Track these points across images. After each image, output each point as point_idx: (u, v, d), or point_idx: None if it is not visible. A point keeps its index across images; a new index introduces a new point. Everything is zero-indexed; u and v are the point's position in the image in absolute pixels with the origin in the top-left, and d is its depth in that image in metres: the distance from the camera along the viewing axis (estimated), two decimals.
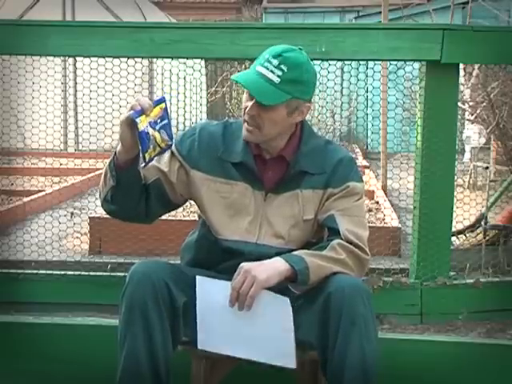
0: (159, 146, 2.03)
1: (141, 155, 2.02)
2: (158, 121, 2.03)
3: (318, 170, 2.19)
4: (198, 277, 2.10)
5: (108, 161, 2.14)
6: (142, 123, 2.00)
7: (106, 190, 2.17)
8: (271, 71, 2.08)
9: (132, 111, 2.01)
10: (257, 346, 2.02)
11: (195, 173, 2.20)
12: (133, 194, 2.16)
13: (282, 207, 2.19)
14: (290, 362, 2.01)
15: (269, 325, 2.04)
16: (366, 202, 6.39)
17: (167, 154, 2.18)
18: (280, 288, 2.08)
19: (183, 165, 2.21)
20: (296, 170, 2.19)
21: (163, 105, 2.05)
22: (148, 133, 2.00)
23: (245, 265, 2.03)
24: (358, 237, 2.14)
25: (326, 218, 2.17)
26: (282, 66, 2.08)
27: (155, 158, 2.07)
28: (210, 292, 2.07)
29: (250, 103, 2.11)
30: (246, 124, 2.14)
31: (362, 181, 2.26)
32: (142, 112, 2.01)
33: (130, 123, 2.01)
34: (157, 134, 2.02)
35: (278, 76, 2.08)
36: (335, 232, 2.14)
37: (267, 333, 2.03)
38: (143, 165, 2.05)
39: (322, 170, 2.20)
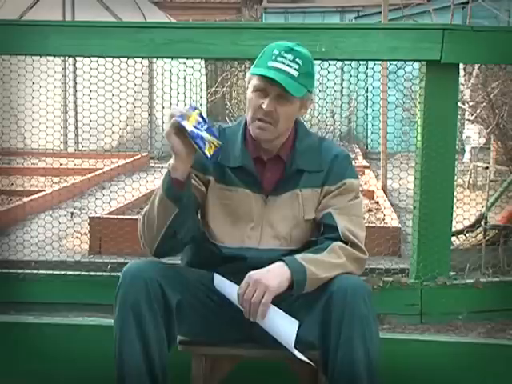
0: (213, 143, 2.01)
1: (201, 153, 2.00)
2: (199, 125, 2.01)
3: (315, 168, 2.19)
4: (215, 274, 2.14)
5: (158, 197, 2.06)
6: (189, 125, 1.99)
7: (165, 226, 2.07)
8: (288, 65, 2.08)
9: (174, 118, 2.00)
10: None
11: (208, 177, 2.19)
12: (194, 214, 2.15)
13: (283, 208, 2.18)
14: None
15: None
16: (365, 202, 6.39)
17: None
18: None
19: (200, 173, 2.19)
20: (293, 169, 2.19)
21: (198, 111, 2.03)
22: (198, 132, 1.99)
23: (253, 274, 2.00)
24: (356, 236, 2.13)
25: (324, 215, 2.17)
26: (298, 60, 2.09)
27: (216, 156, 2.04)
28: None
29: (264, 100, 2.09)
30: (258, 122, 2.12)
31: (358, 177, 2.26)
32: (184, 117, 2.00)
33: (177, 130, 1.99)
34: (205, 134, 2.00)
35: (296, 69, 2.08)
36: (333, 229, 2.13)
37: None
38: (211, 160, 2.01)
39: (318, 168, 2.19)
